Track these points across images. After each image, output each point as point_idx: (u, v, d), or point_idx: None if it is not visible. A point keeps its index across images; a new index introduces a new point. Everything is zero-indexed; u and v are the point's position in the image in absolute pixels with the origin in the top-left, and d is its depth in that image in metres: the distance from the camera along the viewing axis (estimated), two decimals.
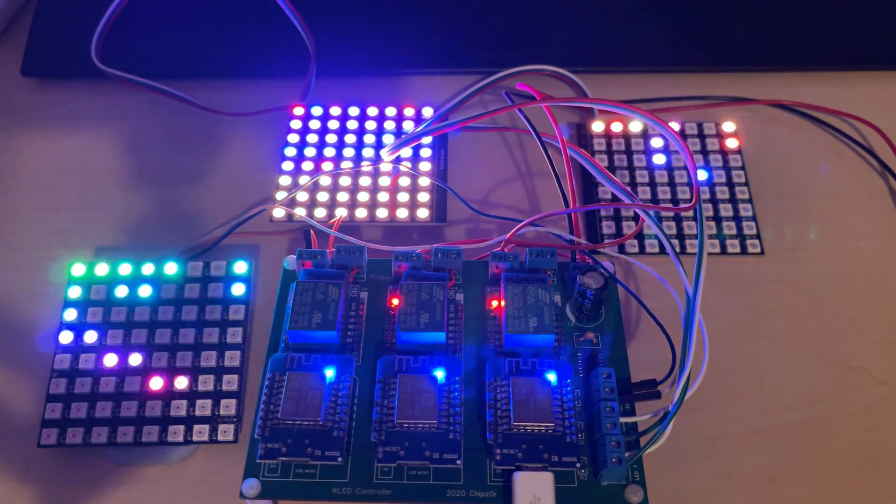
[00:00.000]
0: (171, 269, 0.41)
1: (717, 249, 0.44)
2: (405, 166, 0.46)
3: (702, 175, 0.46)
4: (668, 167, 0.47)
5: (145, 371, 0.39)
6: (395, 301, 0.38)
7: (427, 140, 0.47)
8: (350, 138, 0.47)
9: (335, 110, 0.49)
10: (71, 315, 0.40)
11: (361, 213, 0.44)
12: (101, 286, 0.41)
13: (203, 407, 0.38)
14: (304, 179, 0.45)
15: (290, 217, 0.44)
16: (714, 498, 0.37)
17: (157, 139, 0.49)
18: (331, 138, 0.48)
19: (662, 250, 0.43)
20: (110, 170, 0.47)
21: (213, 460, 0.38)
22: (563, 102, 0.48)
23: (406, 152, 0.46)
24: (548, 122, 0.43)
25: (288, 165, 0.46)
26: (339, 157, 0.47)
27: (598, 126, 0.48)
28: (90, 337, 0.39)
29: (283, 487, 0.33)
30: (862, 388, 0.40)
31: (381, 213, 0.44)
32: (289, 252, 0.43)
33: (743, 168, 0.47)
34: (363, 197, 0.45)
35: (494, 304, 0.38)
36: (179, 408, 0.38)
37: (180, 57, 0.51)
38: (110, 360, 0.39)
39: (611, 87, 0.50)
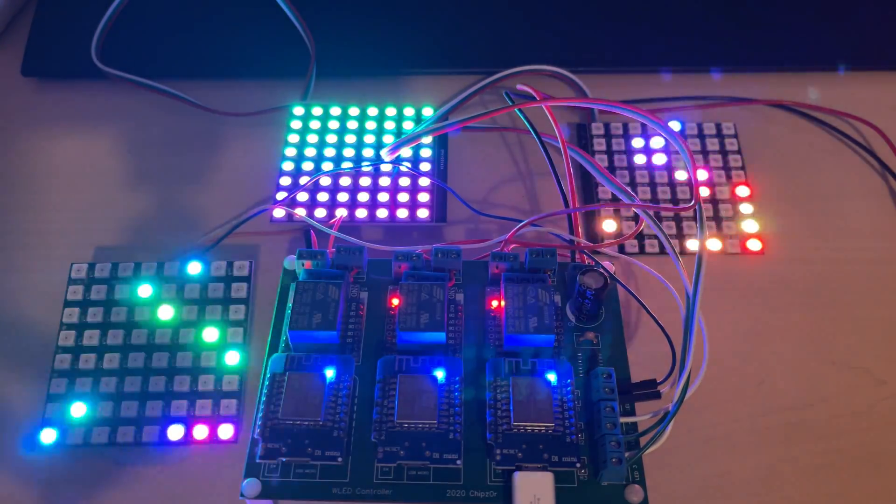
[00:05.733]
0: (170, 268, 0.41)
1: (718, 249, 0.44)
2: (405, 166, 0.46)
3: (702, 175, 0.46)
4: (668, 167, 0.47)
5: (146, 371, 0.39)
6: (395, 301, 0.38)
7: (427, 140, 0.47)
8: (350, 138, 0.47)
9: (335, 110, 0.49)
10: (71, 315, 0.40)
11: (361, 213, 0.44)
12: (101, 286, 0.41)
13: (203, 407, 0.38)
14: (304, 179, 0.45)
15: (290, 217, 0.44)
16: (714, 498, 0.37)
17: (157, 139, 0.49)
18: (331, 138, 0.48)
19: (662, 250, 0.43)
20: (110, 170, 0.47)
21: (213, 460, 0.38)
22: (563, 102, 0.48)
23: (406, 152, 0.46)
24: (548, 122, 0.43)
25: (288, 165, 0.46)
26: (339, 157, 0.47)
27: (598, 126, 0.48)
28: (90, 337, 0.39)
29: (283, 487, 0.33)
30: (862, 388, 0.40)
31: (381, 213, 0.44)
32: (289, 252, 0.43)
33: (743, 168, 0.47)
34: (363, 197, 0.45)
35: (494, 304, 0.38)
36: (179, 408, 0.38)
37: (180, 57, 0.51)
38: (110, 360, 0.39)
39: (611, 87, 0.50)
